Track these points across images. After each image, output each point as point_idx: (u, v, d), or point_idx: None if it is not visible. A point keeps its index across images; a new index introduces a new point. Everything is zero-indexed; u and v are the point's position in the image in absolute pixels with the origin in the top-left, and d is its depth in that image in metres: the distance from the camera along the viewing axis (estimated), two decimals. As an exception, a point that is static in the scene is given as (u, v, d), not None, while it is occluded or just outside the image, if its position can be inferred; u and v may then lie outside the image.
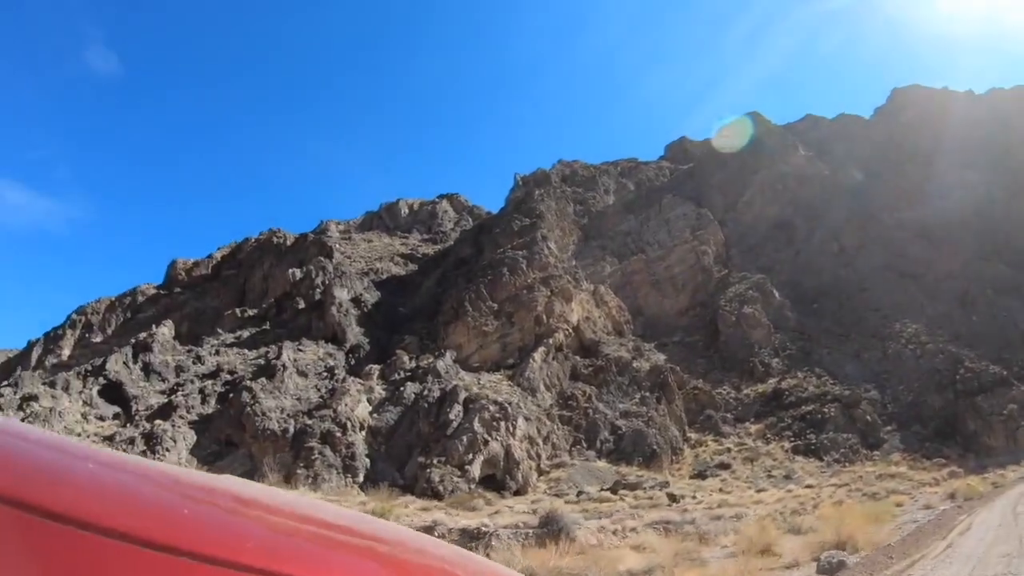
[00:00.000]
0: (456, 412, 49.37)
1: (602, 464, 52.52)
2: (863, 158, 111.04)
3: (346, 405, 49.71)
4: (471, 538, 20.04)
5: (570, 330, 67.79)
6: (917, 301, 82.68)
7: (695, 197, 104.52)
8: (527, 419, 52.40)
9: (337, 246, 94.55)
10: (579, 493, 42.21)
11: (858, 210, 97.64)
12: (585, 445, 55.44)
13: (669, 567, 13.59)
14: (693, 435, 62.03)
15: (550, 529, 21.09)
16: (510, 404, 51.78)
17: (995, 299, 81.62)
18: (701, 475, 53.35)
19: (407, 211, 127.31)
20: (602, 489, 43.50)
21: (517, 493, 45.15)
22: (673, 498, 39.44)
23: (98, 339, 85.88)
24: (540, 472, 49.87)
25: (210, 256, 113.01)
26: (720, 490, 45.50)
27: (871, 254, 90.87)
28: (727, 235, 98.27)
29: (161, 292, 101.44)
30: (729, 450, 58.97)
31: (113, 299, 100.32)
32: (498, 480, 46.64)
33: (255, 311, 78.77)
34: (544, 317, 66.18)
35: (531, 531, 21.16)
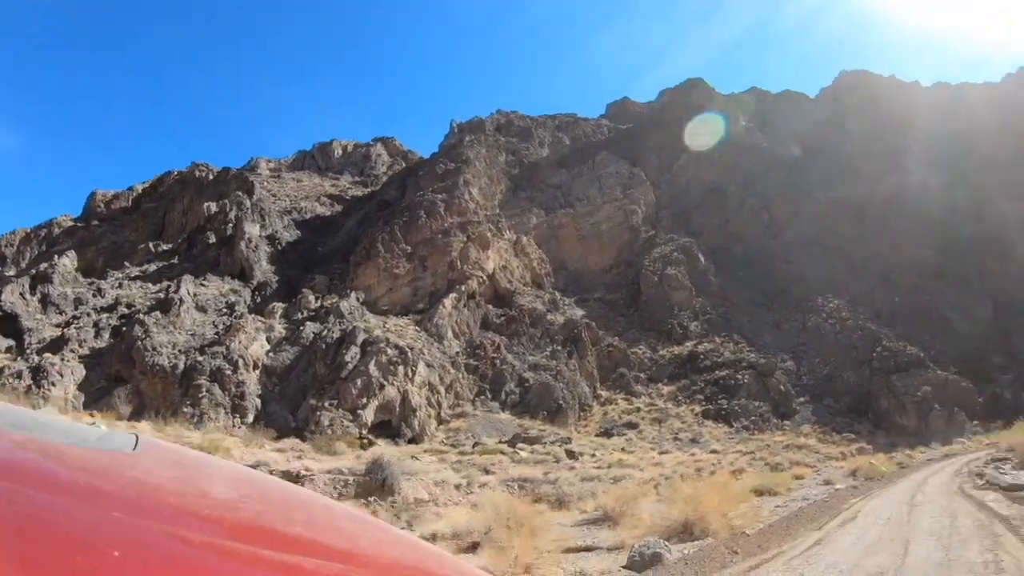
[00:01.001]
0: (353, 354, 46.47)
1: (505, 416, 50.53)
2: (803, 135, 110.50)
3: (240, 343, 46.46)
4: (289, 481, 17.13)
5: (485, 278, 65.14)
6: (842, 278, 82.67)
7: (630, 157, 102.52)
8: (429, 366, 49.84)
9: (265, 184, 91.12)
10: (475, 444, 40.02)
11: (792, 184, 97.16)
12: (490, 396, 53.25)
13: (481, 532, 11.01)
14: (604, 392, 60.30)
15: (374, 478, 19.00)
16: (411, 349, 48.95)
17: (919, 283, 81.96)
18: (607, 433, 51.78)
19: (340, 152, 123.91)
20: (500, 441, 41.13)
21: (412, 441, 42.74)
22: (572, 454, 37.35)
23: (11, 272, 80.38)
24: (440, 421, 47.56)
25: (131, 189, 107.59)
26: (623, 449, 44.12)
27: (801, 228, 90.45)
28: (659, 197, 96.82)
29: (79, 225, 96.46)
30: (639, 410, 57.58)
31: (28, 231, 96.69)
32: (393, 427, 44.23)
33: (170, 246, 74.85)
34: (458, 263, 63.35)
35: (353, 478, 19.18)
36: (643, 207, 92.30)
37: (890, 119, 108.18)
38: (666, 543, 10.85)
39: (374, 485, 18.63)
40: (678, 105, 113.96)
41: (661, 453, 42.83)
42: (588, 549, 12.11)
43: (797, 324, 75.95)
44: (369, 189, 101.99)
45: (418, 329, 56.46)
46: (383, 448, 36.31)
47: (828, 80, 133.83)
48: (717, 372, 63.73)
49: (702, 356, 66.63)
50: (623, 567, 10.06)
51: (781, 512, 17.16)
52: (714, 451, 45.05)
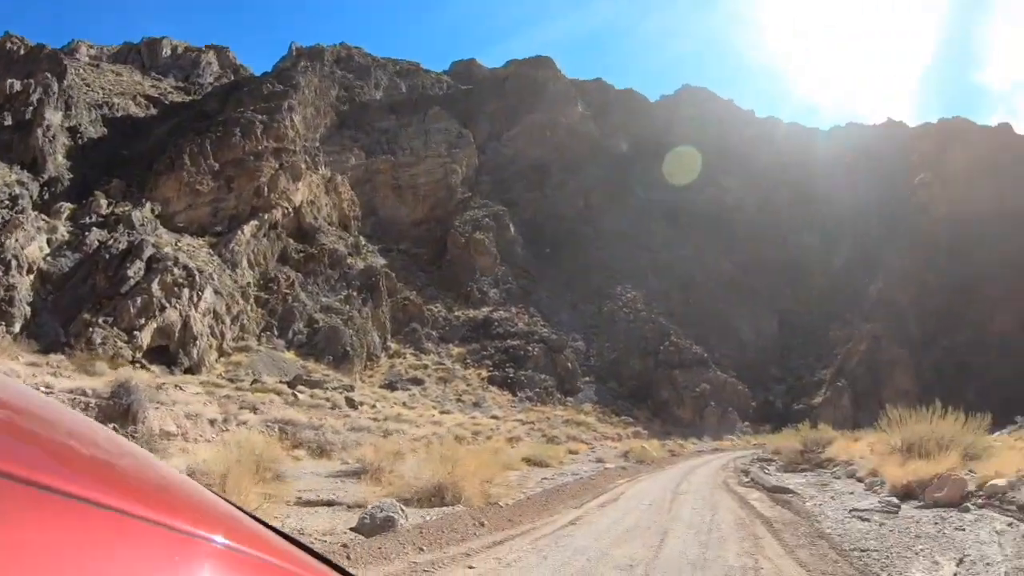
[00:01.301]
0: (137, 269, 42.73)
1: (290, 356, 48.79)
2: (635, 134, 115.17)
3: (16, 241, 41.38)
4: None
5: (291, 210, 62.29)
6: (644, 273, 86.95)
7: (463, 118, 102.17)
8: (217, 293, 46.92)
9: (81, 71, 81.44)
10: (254, 381, 38.09)
11: (615, 177, 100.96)
12: (277, 333, 51.22)
13: (219, 474, 9.54)
14: (394, 345, 60.04)
15: (117, 402, 17.36)
16: (200, 272, 45.82)
17: (715, 291, 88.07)
18: (391, 386, 51.43)
19: (169, 52, 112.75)
20: (281, 381, 39.58)
21: (189, 371, 40.14)
22: (352, 403, 36.77)
23: None
24: (222, 353, 45.06)
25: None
26: (404, 404, 43.82)
27: (614, 219, 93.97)
28: (483, 162, 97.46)
29: None
30: (426, 367, 57.79)
31: None
32: (171, 353, 41.27)
33: (-36, 123, 65.52)
34: (266, 190, 60.08)
35: (96, 401, 17.54)
36: (465, 168, 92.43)
37: (718, 138, 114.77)
38: (403, 507, 9.82)
39: (117, 411, 17.06)
40: (522, 77, 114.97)
41: (442, 412, 43.17)
42: (329, 504, 11.26)
43: (593, 308, 79.15)
44: (191, 97, 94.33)
45: (212, 253, 52.88)
46: (153, 375, 34.03)
47: (671, 91, 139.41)
48: (509, 341, 65.14)
49: (496, 323, 67.88)
50: (351, 529, 9.11)
51: (546, 485, 16.85)
52: (495, 417, 45.76)
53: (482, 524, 10.35)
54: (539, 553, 8.53)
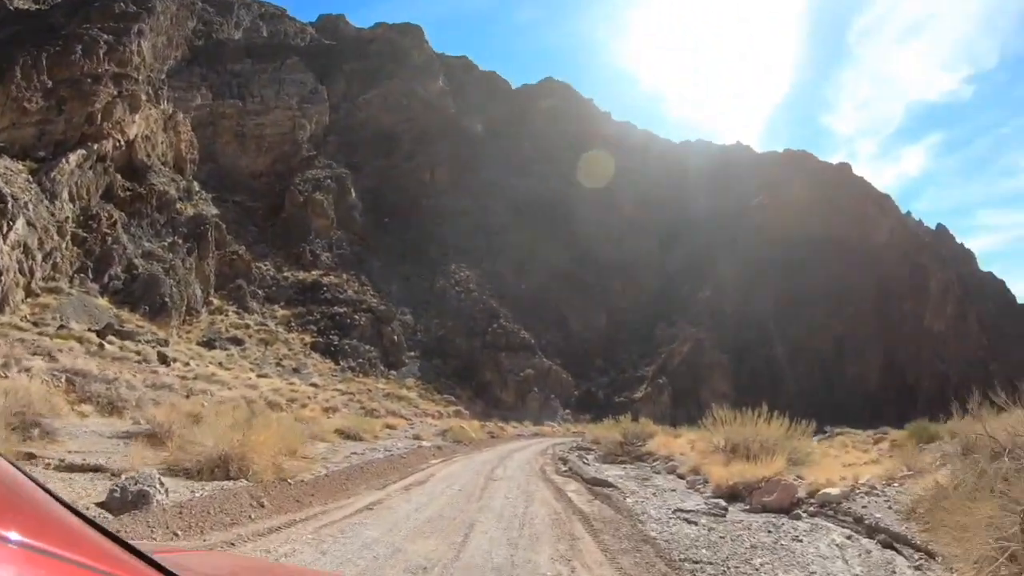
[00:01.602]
0: (-63, 187, 39.47)
1: (103, 302, 46.46)
2: (492, 117, 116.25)
3: None
4: None
5: (123, 143, 58.40)
6: (480, 255, 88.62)
7: (321, 73, 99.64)
8: (31, 224, 43.60)
9: None
10: (61, 327, 36.21)
11: (464, 156, 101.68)
12: (92, 276, 48.26)
13: None
14: (217, 301, 58.55)
15: None
16: (15, 200, 42.42)
17: (549, 280, 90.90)
18: (209, 344, 50.31)
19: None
20: (90, 329, 37.80)
21: (-11, 310, 37.49)
22: (164, 359, 35.89)
23: None
24: (29, 293, 42.04)
25: None
26: (220, 364, 42.99)
27: (458, 199, 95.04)
28: (334, 122, 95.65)
29: None
30: (248, 327, 56.82)
31: None
32: (-31, 288, 38.33)
33: None
34: (99, 117, 56.09)
35: None
36: (314, 125, 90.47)
37: (572, 134, 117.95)
38: (161, 480, 8.36)
39: None
40: (387, 42, 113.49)
41: (260, 376, 42.23)
42: (96, 469, 9.70)
43: (426, 283, 79.95)
44: (38, 6, 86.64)
45: (31, 179, 48.38)
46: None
47: (534, 80, 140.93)
48: (336, 308, 64.92)
49: (326, 288, 67.39)
50: (99, 504, 7.72)
51: (353, 461, 15.76)
52: (314, 385, 45.31)
53: (262, 505, 9.18)
54: (319, 546, 7.48)
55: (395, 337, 65.53)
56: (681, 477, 15.62)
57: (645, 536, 9.15)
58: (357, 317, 64.21)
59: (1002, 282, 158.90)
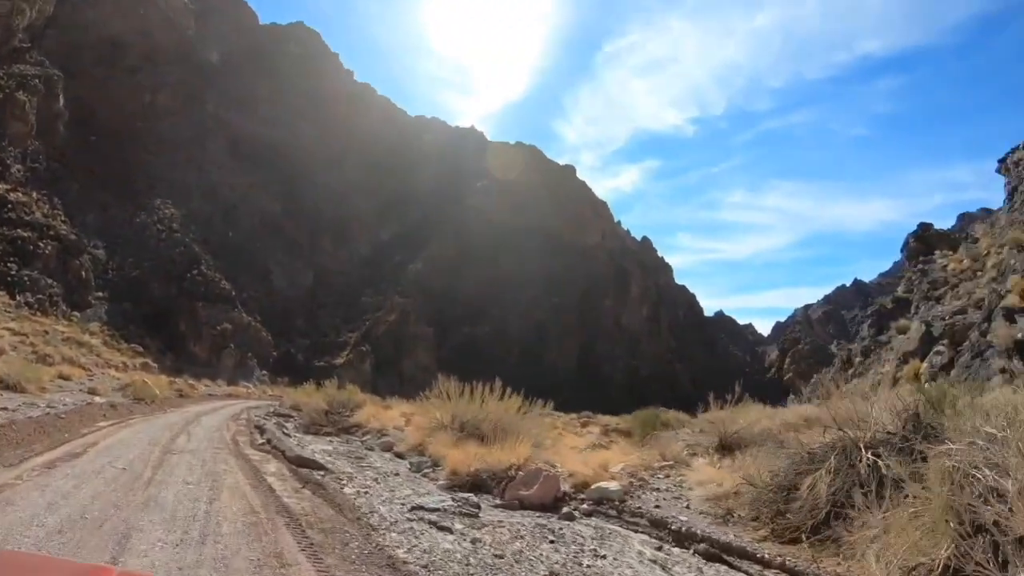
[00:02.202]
0: None
1: None
2: (230, 50, 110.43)
3: None
4: None
5: None
6: (188, 191, 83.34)
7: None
8: None
9: None
10: None
11: (191, 84, 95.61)
12: None
13: None
14: None
15: None
16: None
17: (259, 231, 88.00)
18: None
19: None
20: None
21: None
22: None
23: None
24: None
25: None
26: None
27: (175, 127, 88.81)
28: (57, 15, 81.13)
29: None
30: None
31: None
32: None
33: None
34: None
35: None
36: (34, 13, 77.17)
37: (310, 83, 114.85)
38: None
39: None
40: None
41: None
42: None
43: (125, 215, 72.56)
44: None
45: None
46: None
47: (284, 22, 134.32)
48: (20, 230, 55.27)
49: (11, 206, 57.11)
50: None
51: None
52: None
53: None
54: None
55: (83, 273, 58.16)
56: (400, 456, 13.49)
57: (389, 556, 5.77)
58: (42, 245, 55.27)
59: (693, 295, 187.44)
